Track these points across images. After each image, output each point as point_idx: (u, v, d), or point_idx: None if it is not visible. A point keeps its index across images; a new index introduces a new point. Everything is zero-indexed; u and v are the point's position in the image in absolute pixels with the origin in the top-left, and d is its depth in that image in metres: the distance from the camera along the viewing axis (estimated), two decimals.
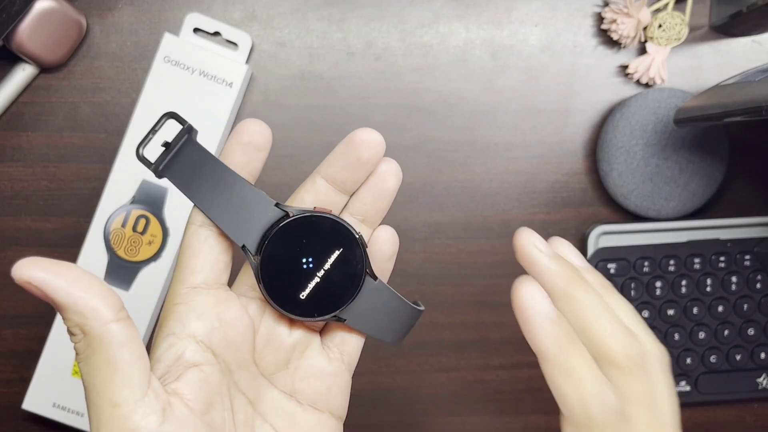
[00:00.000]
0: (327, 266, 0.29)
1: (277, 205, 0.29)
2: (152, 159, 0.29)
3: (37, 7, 0.48)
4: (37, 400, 0.50)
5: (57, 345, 0.50)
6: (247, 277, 0.31)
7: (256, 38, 0.52)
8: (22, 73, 0.50)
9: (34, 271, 0.25)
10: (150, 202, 0.50)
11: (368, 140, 0.30)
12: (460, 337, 0.54)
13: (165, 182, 0.50)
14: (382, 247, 0.32)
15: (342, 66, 0.53)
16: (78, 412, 0.50)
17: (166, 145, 0.29)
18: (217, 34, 0.51)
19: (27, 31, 0.48)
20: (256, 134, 0.29)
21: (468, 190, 0.54)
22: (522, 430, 0.55)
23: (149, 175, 0.50)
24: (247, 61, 0.52)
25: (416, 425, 0.54)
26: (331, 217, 0.29)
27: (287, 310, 0.29)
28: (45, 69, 0.51)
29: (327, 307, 0.30)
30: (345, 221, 0.29)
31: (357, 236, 0.29)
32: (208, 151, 0.29)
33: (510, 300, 0.32)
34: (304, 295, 0.29)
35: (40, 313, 0.52)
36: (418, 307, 0.32)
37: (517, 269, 0.56)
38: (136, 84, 0.52)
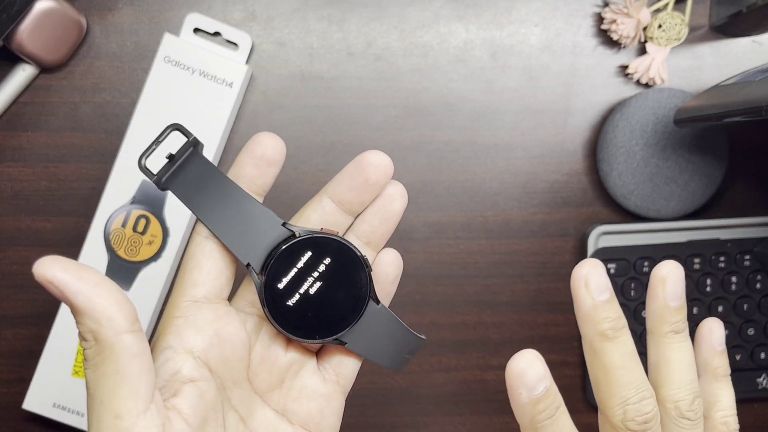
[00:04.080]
0: (331, 288, 0.29)
1: (284, 224, 0.29)
2: (155, 170, 0.29)
3: (37, 8, 0.48)
4: (37, 400, 0.50)
5: (57, 345, 0.50)
6: (247, 293, 0.31)
7: (256, 38, 0.52)
8: (22, 73, 0.50)
9: (58, 271, 0.25)
10: (150, 202, 0.50)
11: (377, 163, 0.30)
12: (460, 337, 0.54)
13: None
14: (387, 270, 0.32)
15: (342, 66, 0.53)
16: (78, 412, 0.50)
17: (170, 157, 0.29)
18: (217, 34, 0.51)
19: (27, 32, 0.48)
20: (270, 148, 0.29)
21: (468, 190, 0.54)
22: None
23: None
24: (247, 61, 0.52)
25: (416, 425, 0.54)
26: (338, 239, 0.29)
27: (289, 330, 0.29)
28: (45, 69, 0.51)
29: (329, 329, 0.29)
30: (351, 244, 0.29)
31: (363, 260, 0.29)
32: (214, 166, 0.29)
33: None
34: (306, 316, 0.29)
35: (40, 313, 0.52)
36: (421, 336, 0.32)
37: (517, 269, 0.56)
38: (136, 84, 0.52)
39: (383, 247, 0.32)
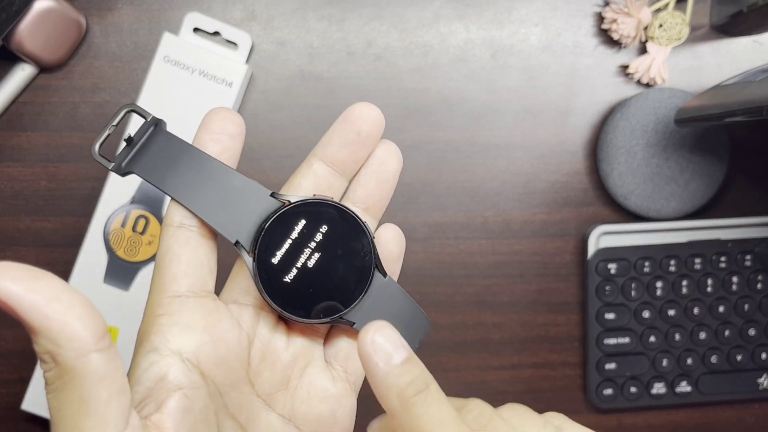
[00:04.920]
0: (331, 259, 0.26)
1: (272, 194, 0.26)
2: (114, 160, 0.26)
3: (37, 7, 0.48)
4: (36, 400, 0.50)
5: None
6: (240, 280, 0.28)
7: (256, 38, 0.52)
8: (22, 73, 0.50)
9: (7, 283, 0.20)
10: (150, 202, 0.50)
11: (367, 114, 0.28)
12: (460, 337, 0.54)
13: None
14: (389, 247, 0.29)
15: (342, 66, 0.53)
16: None
17: (128, 140, 0.26)
18: (216, 33, 0.51)
19: (26, 31, 0.48)
20: (227, 121, 0.27)
21: (468, 190, 0.54)
22: None
23: None
24: (247, 61, 0.52)
25: None
26: (334, 203, 0.26)
27: (290, 311, 0.26)
28: (44, 69, 0.51)
29: (334, 307, 0.26)
30: (349, 208, 0.26)
31: (363, 224, 0.26)
32: (183, 140, 0.26)
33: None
34: (307, 293, 0.26)
35: None
36: (428, 319, 0.30)
37: (517, 269, 0.56)
38: (135, 84, 0.52)
39: (382, 224, 0.29)
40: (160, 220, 0.50)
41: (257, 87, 0.52)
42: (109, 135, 0.27)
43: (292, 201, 0.26)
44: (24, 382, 0.51)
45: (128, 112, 0.27)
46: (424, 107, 0.53)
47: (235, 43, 0.51)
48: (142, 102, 0.50)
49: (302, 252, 0.26)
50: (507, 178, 0.54)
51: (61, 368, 0.21)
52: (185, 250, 0.26)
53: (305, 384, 0.28)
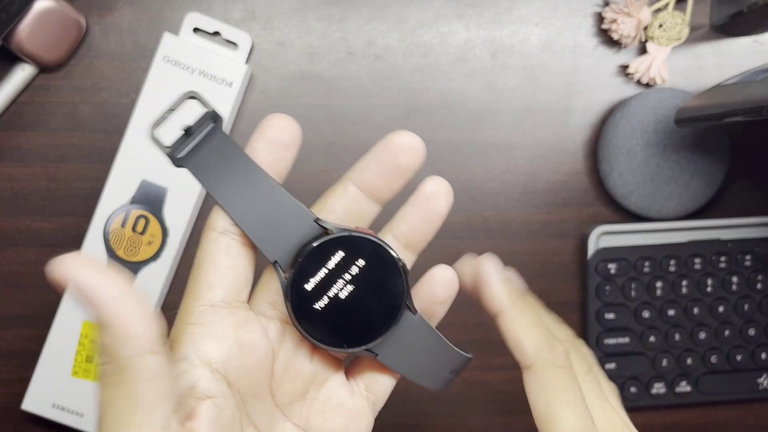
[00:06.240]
0: (363, 294, 0.26)
1: (316, 220, 0.26)
2: (166, 145, 0.26)
3: (37, 7, 0.48)
4: (36, 400, 0.50)
5: (57, 345, 0.50)
6: (267, 294, 0.28)
7: (256, 38, 0.52)
8: (22, 73, 0.50)
9: (88, 274, 0.22)
10: (149, 202, 0.50)
11: (408, 145, 0.27)
12: (460, 337, 0.54)
13: (165, 182, 0.50)
14: (436, 290, 0.29)
15: (342, 66, 0.53)
16: (78, 412, 0.50)
17: (186, 130, 0.26)
18: (216, 33, 0.51)
19: (26, 31, 0.48)
20: (285, 131, 0.26)
21: (468, 190, 0.54)
22: (522, 430, 0.55)
23: (149, 175, 0.50)
24: (247, 61, 0.52)
25: (416, 425, 0.54)
26: (374, 239, 0.26)
27: (315, 337, 0.26)
28: (44, 69, 0.51)
29: (359, 338, 0.27)
30: (388, 245, 0.26)
31: (400, 264, 0.26)
32: (237, 146, 0.26)
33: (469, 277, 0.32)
34: (335, 322, 0.26)
35: (40, 313, 0.52)
36: (466, 354, 0.29)
37: (517, 269, 0.56)
38: (135, 84, 0.52)
39: (439, 264, 0.29)
40: (159, 220, 0.50)
41: (257, 87, 0.52)
42: (166, 118, 0.27)
43: (335, 231, 0.26)
44: (24, 382, 0.51)
45: (189, 98, 0.27)
46: (424, 107, 0.53)
47: (235, 43, 0.51)
48: (142, 102, 0.50)
49: (336, 282, 0.26)
50: (507, 178, 0.54)
51: (117, 364, 0.22)
52: (225, 259, 0.26)
53: (322, 396, 0.28)
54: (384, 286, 0.26)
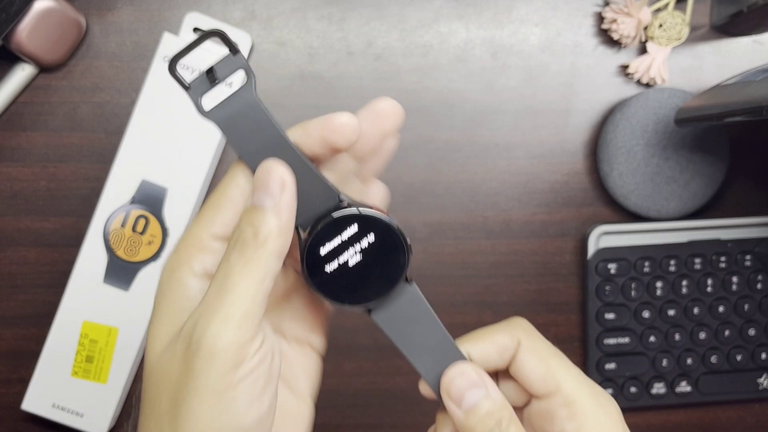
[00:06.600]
0: (369, 264, 0.29)
1: (339, 195, 0.29)
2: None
3: (37, 7, 0.48)
4: (36, 400, 0.50)
5: (56, 345, 0.50)
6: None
7: (256, 38, 0.52)
8: (22, 73, 0.50)
9: (290, 193, 0.26)
10: (149, 202, 0.50)
11: (390, 111, 0.30)
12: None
13: (165, 182, 0.50)
14: (382, 123, 0.31)
15: (342, 66, 0.53)
16: (78, 412, 0.50)
17: (209, 72, 0.27)
18: None
19: (26, 31, 0.48)
20: (343, 137, 0.28)
21: (468, 190, 0.54)
22: None
23: (149, 175, 0.50)
24: (247, 61, 0.52)
25: (416, 425, 0.54)
26: (387, 220, 0.29)
27: (322, 293, 0.29)
28: (44, 69, 0.51)
29: (358, 298, 0.29)
30: (399, 227, 0.29)
31: (405, 243, 0.29)
32: (270, 116, 0.28)
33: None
34: (340, 284, 0.29)
35: (40, 313, 0.52)
36: (453, 342, 0.32)
37: (517, 269, 0.56)
38: (135, 84, 0.52)
39: (380, 97, 0.31)
40: (159, 220, 0.50)
41: (257, 87, 0.52)
42: (186, 54, 0.28)
43: (353, 207, 0.29)
44: (24, 382, 0.51)
45: (214, 36, 0.28)
46: (424, 107, 0.53)
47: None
48: (142, 102, 0.50)
49: (346, 251, 0.29)
50: (507, 178, 0.54)
51: (257, 242, 0.26)
52: (242, 201, 0.28)
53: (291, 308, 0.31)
54: (388, 259, 0.29)
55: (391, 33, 0.53)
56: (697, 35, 0.54)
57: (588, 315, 0.54)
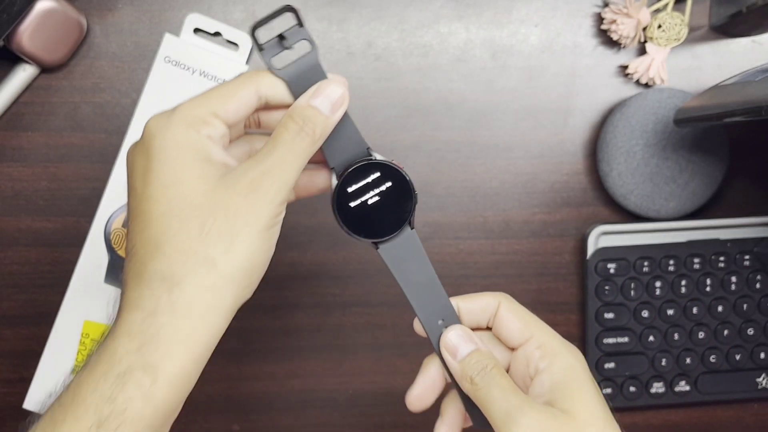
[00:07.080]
0: (384, 205, 0.36)
1: (368, 149, 0.36)
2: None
3: (38, 8, 0.48)
4: (37, 400, 0.50)
5: (57, 345, 0.50)
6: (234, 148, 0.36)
7: None
8: (23, 74, 0.51)
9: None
10: None
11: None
12: None
13: None
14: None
15: (342, 66, 0.53)
16: None
17: (281, 37, 0.35)
18: (217, 34, 0.51)
19: (27, 32, 0.48)
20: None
21: (468, 190, 0.54)
22: None
23: None
24: (248, 62, 0.52)
25: (416, 425, 0.54)
26: (402, 171, 0.36)
27: (344, 224, 0.36)
28: (45, 69, 0.51)
29: (371, 233, 0.36)
30: (410, 178, 0.36)
31: (413, 193, 0.36)
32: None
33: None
34: (360, 218, 0.36)
35: (41, 313, 0.52)
36: (447, 298, 0.38)
37: (517, 269, 0.56)
38: (136, 84, 0.52)
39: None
40: None
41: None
42: (265, 24, 0.34)
43: (377, 159, 0.36)
44: (25, 381, 0.51)
45: (286, 11, 0.35)
46: (424, 107, 0.53)
47: (235, 44, 0.51)
48: (143, 102, 0.50)
49: (368, 192, 0.36)
50: (507, 178, 0.54)
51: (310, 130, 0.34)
52: (249, 103, 0.34)
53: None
54: (399, 204, 0.36)
55: (391, 33, 0.53)
56: (697, 36, 0.54)
57: (587, 315, 0.54)
